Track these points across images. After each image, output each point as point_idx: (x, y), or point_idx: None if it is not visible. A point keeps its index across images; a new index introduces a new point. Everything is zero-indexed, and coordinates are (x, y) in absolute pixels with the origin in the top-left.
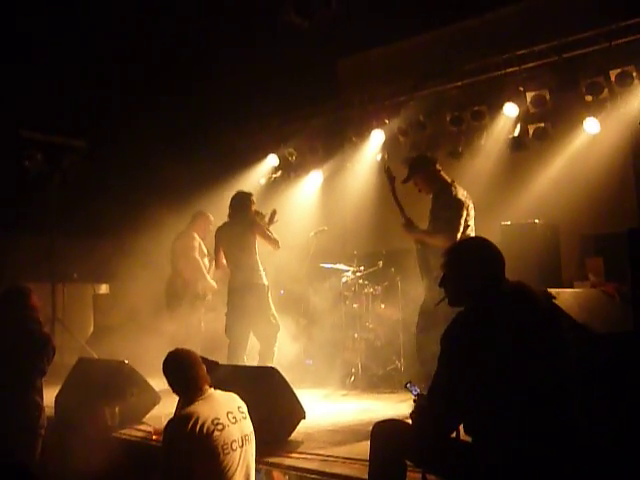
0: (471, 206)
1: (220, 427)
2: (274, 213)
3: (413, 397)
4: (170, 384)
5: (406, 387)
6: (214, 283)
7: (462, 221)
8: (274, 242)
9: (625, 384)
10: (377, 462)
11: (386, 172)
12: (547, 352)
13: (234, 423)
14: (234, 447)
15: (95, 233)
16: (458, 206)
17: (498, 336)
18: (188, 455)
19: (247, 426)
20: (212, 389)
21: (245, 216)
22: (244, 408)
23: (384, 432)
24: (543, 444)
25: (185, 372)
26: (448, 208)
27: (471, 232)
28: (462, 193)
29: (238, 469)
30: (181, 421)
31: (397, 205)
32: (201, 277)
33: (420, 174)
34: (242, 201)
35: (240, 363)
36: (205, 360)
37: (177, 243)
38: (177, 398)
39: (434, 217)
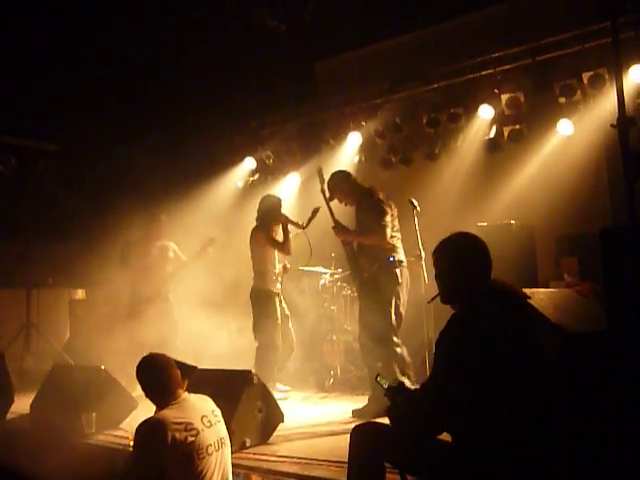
0: (393, 206)
1: (194, 432)
2: (315, 211)
3: (383, 391)
4: (143, 389)
5: (376, 381)
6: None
7: (388, 218)
8: (281, 248)
9: (598, 383)
10: (356, 464)
11: (318, 174)
12: (531, 352)
13: (209, 427)
14: (210, 451)
15: (70, 238)
16: (381, 206)
17: (492, 336)
18: (159, 461)
19: (222, 429)
20: (186, 393)
21: (257, 221)
22: (218, 412)
23: (363, 435)
24: (526, 444)
25: (157, 377)
26: (372, 210)
27: (398, 233)
28: (383, 194)
29: (215, 473)
30: (152, 426)
31: (327, 208)
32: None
33: (338, 192)
34: (259, 206)
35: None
36: (182, 364)
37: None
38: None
39: (360, 221)
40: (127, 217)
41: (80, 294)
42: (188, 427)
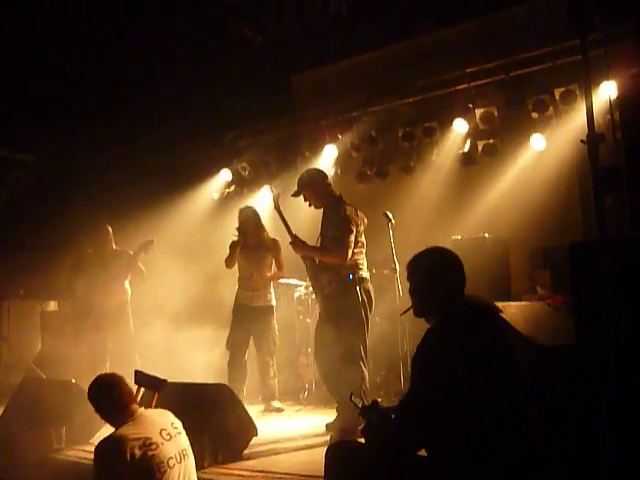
0: (362, 222)
1: (154, 447)
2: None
3: (357, 411)
4: (97, 411)
5: (351, 400)
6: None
7: (352, 238)
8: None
9: (569, 395)
10: None
11: (270, 189)
12: (504, 366)
13: (169, 440)
14: (171, 464)
15: (43, 249)
16: (347, 224)
17: (466, 350)
18: (120, 478)
19: (183, 441)
20: (142, 409)
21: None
22: (178, 424)
23: (338, 455)
24: (500, 456)
25: (108, 396)
26: (338, 227)
27: (362, 248)
28: (351, 210)
29: None
30: (111, 443)
31: (283, 222)
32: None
33: (308, 189)
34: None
35: None
36: (152, 378)
37: None
38: None
39: (323, 235)
40: (97, 228)
41: (52, 306)
42: (147, 442)
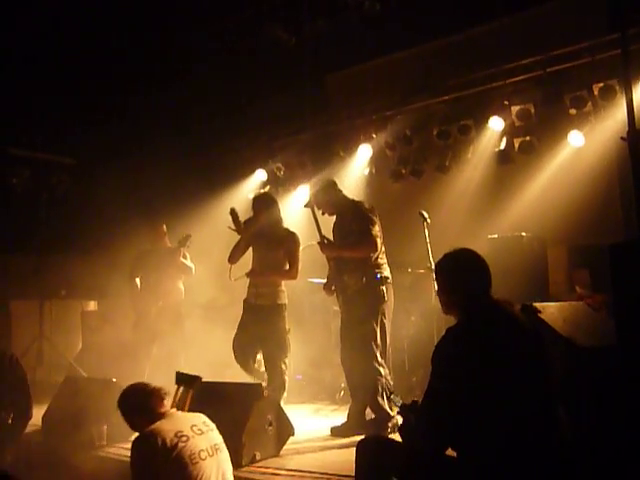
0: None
1: (184, 439)
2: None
3: (397, 409)
4: (130, 424)
5: (390, 399)
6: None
7: (378, 228)
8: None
9: (608, 397)
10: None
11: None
12: (531, 367)
13: (200, 434)
14: (203, 456)
15: (83, 250)
16: (369, 216)
17: (486, 350)
18: (155, 470)
19: (215, 437)
20: (173, 410)
21: None
22: (210, 423)
23: (368, 449)
24: (529, 459)
25: (139, 408)
26: (360, 221)
27: (383, 247)
28: (370, 206)
29: (212, 478)
30: (144, 439)
31: (315, 222)
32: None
33: (325, 202)
34: None
35: None
36: (185, 375)
37: None
38: None
39: (347, 232)
40: (136, 230)
41: (92, 306)
42: (178, 434)
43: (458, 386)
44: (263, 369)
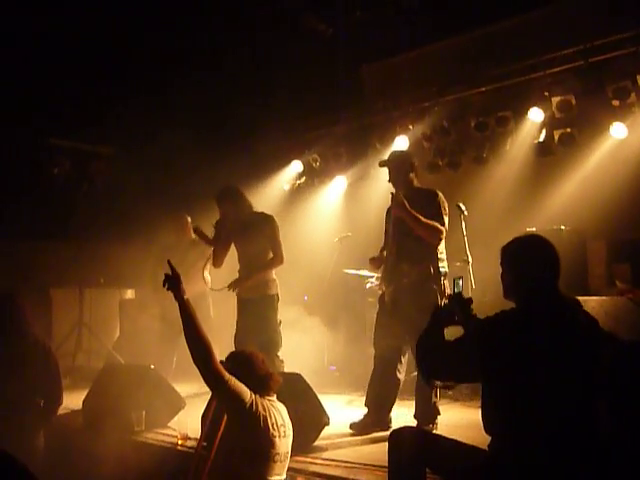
0: None
1: (276, 434)
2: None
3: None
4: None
5: (454, 281)
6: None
7: (447, 220)
8: None
9: None
10: (396, 469)
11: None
12: (576, 361)
13: (284, 437)
14: (276, 460)
15: (122, 239)
16: (445, 207)
17: (523, 342)
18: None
19: (289, 443)
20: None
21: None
22: (289, 423)
23: (402, 439)
24: (563, 450)
25: (258, 371)
26: (436, 207)
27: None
28: (442, 196)
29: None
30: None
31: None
32: None
33: (403, 178)
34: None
35: None
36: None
37: None
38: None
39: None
40: (176, 218)
41: (130, 294)
42: (273, 425)
43: (491, 365)
44: None
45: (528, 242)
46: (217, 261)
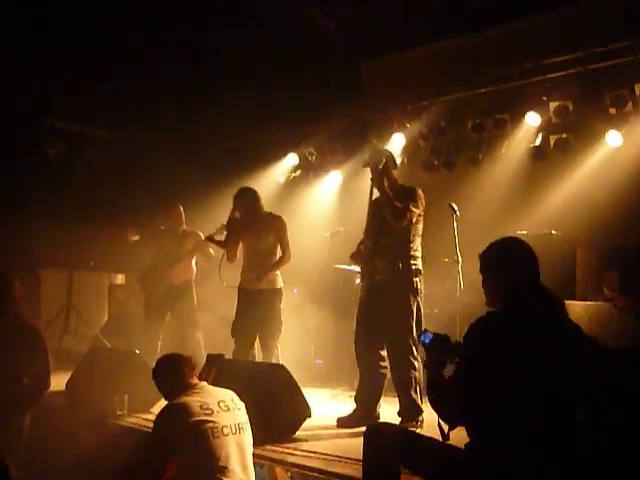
0: None
1: (209, 412)
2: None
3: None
4: (164, 393)
5: (425, 331)
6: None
7: (421, 212)
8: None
9: (632, 400)
10: (370, 466)
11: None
12: (552, 368)
13: (225, 411)
14: (225, 432)
15: (113, 223)
16: (421, 201)
17: (507, 346)
18: (171, 442)
19: (241, 416)
20: (203, 383)
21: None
22: (238, 401)
23: (375, 435)
24: (544, 452)
25: (169, 376)
26: (411, 200)
27: (420, 238)
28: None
29: (232, 456)
30: (170, 409)
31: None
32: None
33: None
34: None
35: None
36: (209, 355)
37: None
38: None
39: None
40: (170, 207)
41: (120, 279)
42: (203, 406)
43: (478, 369)
44: (255, 350)
45: (505, 246)
46: (231, 257)
